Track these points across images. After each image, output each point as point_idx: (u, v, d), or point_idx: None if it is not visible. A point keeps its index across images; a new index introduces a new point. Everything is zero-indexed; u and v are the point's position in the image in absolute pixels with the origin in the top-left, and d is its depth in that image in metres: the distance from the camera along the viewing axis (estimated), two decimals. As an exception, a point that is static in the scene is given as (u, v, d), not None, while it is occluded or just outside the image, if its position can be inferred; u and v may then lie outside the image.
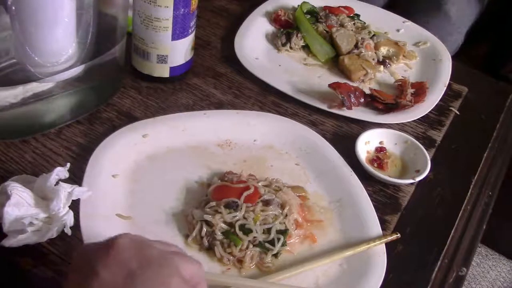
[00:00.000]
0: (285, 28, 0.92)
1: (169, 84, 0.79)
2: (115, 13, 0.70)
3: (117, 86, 0.77)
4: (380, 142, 0.73)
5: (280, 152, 0.70)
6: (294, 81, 0.83)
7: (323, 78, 0.85)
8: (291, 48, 0.90)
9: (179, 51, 0.76)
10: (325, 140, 0.72)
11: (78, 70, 0.67)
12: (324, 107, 0.78)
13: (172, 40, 0.74)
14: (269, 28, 0.93)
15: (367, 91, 0.80)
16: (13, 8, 0.59)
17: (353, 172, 0.67)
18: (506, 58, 1.22)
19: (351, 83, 0.82)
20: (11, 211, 0.54)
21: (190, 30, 0.75)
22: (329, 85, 0.78)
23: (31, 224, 0.54)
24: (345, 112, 0.77)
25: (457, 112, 0.82)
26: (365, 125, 0.77)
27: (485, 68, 0.90)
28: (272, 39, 0.91)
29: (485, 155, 0.78)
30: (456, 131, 0.81)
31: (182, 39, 0.75)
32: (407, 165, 0.72)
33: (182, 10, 0.72)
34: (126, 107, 0.74)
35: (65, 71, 0.65)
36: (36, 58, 0.63)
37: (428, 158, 0.70)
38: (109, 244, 0.39)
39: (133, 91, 0.77)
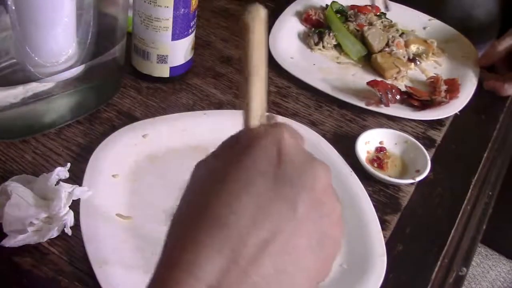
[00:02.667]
0: (316, 28, 0.93)
1: (169, 84, 0.79)
2: (115, 13, 0.70)
3: (117, 86, 0.77)
4: (380, 142, 0.73)
5: (280, 152, 0.70)
6: (330, 79, 0.85)
7: (357, 76, 0.87)
8: (323, 47, 0.91)
9: (179, 51, 0.76)
10: (325, 140, 0.72)
11: (78, 70, 0.67)
12: (362, 104, 0.79)
13: (172, 40, 0.74)
14: (301, 27, 0.95)
15: (402, 89, 0.82)
16: (13, 8, 0.59)
17: (353, 172, 0.67)
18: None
19: (386, 81, 0.84)
20: (11, 211, 0.54)
21: (190, 30, 0.75)
22: (368, 83, 0.80)
23: (31, 224, 0.54)
24: (382, 109, 0.79)
25: (457, 112, 0.82)
26: (365, 125, 0.77)
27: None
28: (304, 39, 0.93)
29: (485, 155, 0.78)
30: (456, 131, 0.81)
31: (182, 39, 0.75)
32: (407, 165, 0.72)
33: (182, 10, 0.72)
34: (126, 107, 0.74)
35: (65, 71, 0.65)
36: (36, 58, 0.63)
37: (428, 158, 0.70)
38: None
39: (133, 91, 0.77)
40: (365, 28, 0.91)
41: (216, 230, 0.30)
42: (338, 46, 0.92)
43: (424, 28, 0.99)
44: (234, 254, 0.29)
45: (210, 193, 0.31)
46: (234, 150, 0.33)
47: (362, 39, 0.91)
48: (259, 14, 0.29)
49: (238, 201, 0.30)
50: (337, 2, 0.97)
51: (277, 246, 0.30)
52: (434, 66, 0.92)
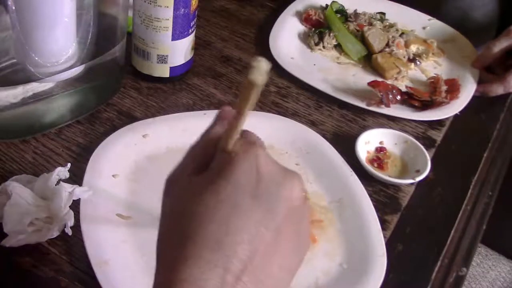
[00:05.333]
0: (316, 28, 0.93)
1: (169, 84, 0.79)
2: (115, 13, 0.70)
3: (117, 86, 0.77)
4: (380, 142, 0.73)
5: (280, 152, 0.70)
6: (330, 79, 0.85)
7: (357, 76, 0.87)
8: (323, 47, 0.91)
9: (179, 51, 0.76)
10: (325, 140, 0.72)
11: (78, 70, 0.67)
12: (362, 104, 0.79)
13: (172, 40, 0.74)
14: (301, 27, 0.95)
15: (402, 89, 0.82)
16: (13, 8, 0.59)
17: (353, 172, 0.67)
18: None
19: (386, 81, 0.84)
20: (11, 211, 0.54)
21: (190, 30, 0.75)
22: (369, 84, 0.80)
23: (31, 224, 0.54)
24: (382, 110, 0.79)
25: (458, 112, 0.82)
26: (365, 125, 0.77)
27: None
28: (305, 39, 0.93)
29: (485, 155, 0.78)
30: (456, 131, 0.81)
31: (182, 39, 0.75)
32: (407, 165, 0.72)
33: (182, 10, 0.72)
34: (126, 107, 0.74)
35: (65, 71, 0.65)
36: (36, 58, 0.63)
37: (428, 158, 0.70)
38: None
39: (133, 91, 0.77)
40: (365, 28, 0.91)
41: (213, 249, 0.33)
42: (338, 46, 0.92)
43: (424, 28, 0.99)
44: (229, 267, 0.33)
45: (199, 214, 0.34)
46: (213, 171, 0.36)
47: (362, 39, 0.91)
48: (263, 69, 0.31)
49: (228, 222, 0.34)
50: (337, 2, 0.97)
51: (264, 255, 0.34)
52: (434, 66, 0.92)
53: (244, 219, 0.34)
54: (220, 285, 0.32)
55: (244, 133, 0.38)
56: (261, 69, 0.31)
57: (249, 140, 0.37)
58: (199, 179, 0.36)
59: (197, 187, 0.36)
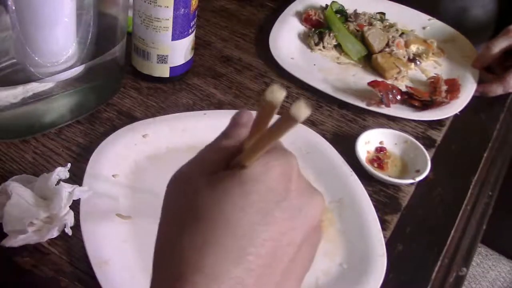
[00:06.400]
0: (316, 28, 0.93)
1: (169, 84, 0.79)
2: (115, 13, 0.70)
3: (117, 86, 0.77)
4: (380, 142, 0.73)
5: (280, 152, 0.70)
6: (330, 79, 0.85)
7: (357, 76, 0.87)
8: (323, 47, 0.91)
9: (179, 51, 0.76)
10: (325, 140, 0.72)
11: (78, 70, 0.67)
12: (362, 104, 0.79)
13: (172, 40, 0.74)
14: (301, 27, 0.95)
15: (402, 89, 0.82)
16: (13, 8, 0.59)
17: (353, 172, 0.67)
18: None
19: (386, 81, 0.84)
20: (11, 211, 0.54)
21: (190, 30, 0.75)
22: (369, 83, 0.80)
23: (31, 224, 0.54)
24: (382, 110, 0.79)
25: (458, 112, 0.82)
26: (365, 125, 0.77)
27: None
28: (305, 39, 0.93)
29: (485, 155, 0.78)
30: (456, 131, 0.81)
31: (182, 39, 0.75)
32: (407, 165, 0.72)
33: (182, 10, 0.72)
34: (126, 107, 0.74)
35: (65, 71, 0.65)
36: (36, 58, 0.63)
37: (428, 158, 0.70)
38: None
39: (133, 91, 0.77)
40: (365, 28, 0.91)
41: (234, 261, 0.30)
42: (338, 47, 0.92)
43: (424, 28, 0.99)
44: (247, 283, 0.30)
45: (224, 215, 0.31)
46: (243, 173, 0.33)
47: (362, 39, 0.91)
48: (279, 96, 0.30)
49: (254, 230, 0.31)
50: (337, 2, 0.97)
51: (283, 273, 0.32)
52: (434, 66, 0.92)
53: (271, 229, 0.31)
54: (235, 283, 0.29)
55: (277, 143, 0.35)
56: (276, 95, 0.30)
57: (283, 148, 0.35)
58: (226, 177, 0.32)
59: (222, 185, 0.32)
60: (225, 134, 0.36)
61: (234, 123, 0.36)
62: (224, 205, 0.31)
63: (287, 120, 0.29)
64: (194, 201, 0.32)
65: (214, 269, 0.29)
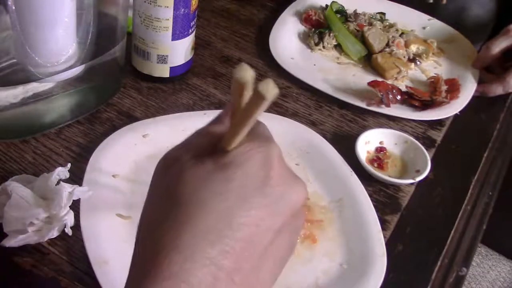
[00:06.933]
0: (316, 28, 0.93)
1: (169, 84, 0.79)
2: (115, 13, 0.70)
3: (117, 86, 0.77)
4: (380, 142, 0.73)
5: (280, 152, 0.70)
6: (330, 79, 0.85)
7: (357, 76, 0.87)
8: (324, 47, 0.91)
9: (179, 51, 0.76)
10: (325, 140, 0.72)
11: (78, 70, 0.67)
12: (362, 104, 0.79)
13: (172, 40, 0.74)
14: (301, 27, 0.95)
15: (402, 89, 0.82)
16: (13, 8, 0.59)
17: (353, 172, 0.67)
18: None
19: (386, 81, 0.84)
20: (11, 211, 0.54)
21: (190, 30, 0.75)
22: (369, 84, 0.81)
23: (31, 224, 0.54)
24: (382, 110, 0.79)
25: (458, 112, 0.82)
26: (365, 125, 0.77)
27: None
28: (305, 39, 0.93)
29: (485, 155, 0.78)
30: (456, 131, 0.81)
31: (182, 39, 0.75)
32: (407, 165, 0.72)
33: (182, 10, 0.72)
34: (126, 107, 0.74)
35: (65, 71, 0.65)
36: (36, 58, 0.63)
37: (428, 158, 0.70)
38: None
39: (133, 91, 0.77)
40: (365, 28, 0.91)
41: (212, 243, 0.31)
42: (338, 47, 0.92)
43: (424, 28, 0.99)
44: (223, 264, 0.31)
45: (203, 200, 0.32)
46: (225, 158, 0.34)
47: (362, 39, 0.91)
48: (247, 74, 0.30)
49: (233, 214, 0.32)
50: (337, 2, 0.97)
51: (260, 257, 0.33)
52: (434, 66, 0.92)
53: (249, 215, 0.32)
54: (212, 284, 0.30)
55: (261, 127, 0.36)
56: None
57: (266, 135, 0.36)
58: (208, 162, 0.33)
59: (203, 170, 0.33)
60: (216, 120, 0.37)
61: (227, 110, 0.37)
62: (203, 190, 0.32)
63: (256, 99, 0.30)
64: (176, 185, 0.33)
65: (189, 249, 0.30)
